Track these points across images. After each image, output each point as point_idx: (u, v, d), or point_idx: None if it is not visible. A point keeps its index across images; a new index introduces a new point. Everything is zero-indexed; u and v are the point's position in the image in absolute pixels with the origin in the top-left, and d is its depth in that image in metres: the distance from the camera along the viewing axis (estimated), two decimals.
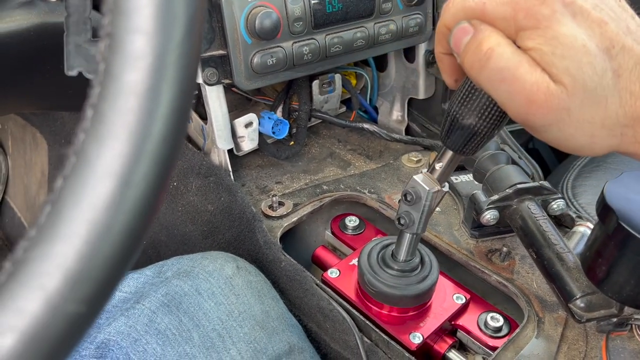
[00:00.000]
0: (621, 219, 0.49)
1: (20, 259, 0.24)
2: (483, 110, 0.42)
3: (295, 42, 0.68)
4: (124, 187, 0.26)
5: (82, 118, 0.26)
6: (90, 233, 0.25)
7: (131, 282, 0.61)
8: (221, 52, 0.65)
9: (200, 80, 0.67)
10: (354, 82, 0.93)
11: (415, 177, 0.52)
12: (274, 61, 0.67)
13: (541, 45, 0.34)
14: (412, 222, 0.53)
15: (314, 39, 0.70)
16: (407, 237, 0.57)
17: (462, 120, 0.43)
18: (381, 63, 0.93)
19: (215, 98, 0.70)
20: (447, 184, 0.52)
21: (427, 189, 0.51)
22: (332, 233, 0.76)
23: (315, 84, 0.85)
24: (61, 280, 0.24)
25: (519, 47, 0.35)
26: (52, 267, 0.24)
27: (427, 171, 0.52)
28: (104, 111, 0.26)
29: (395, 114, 0.94)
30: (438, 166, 0.50)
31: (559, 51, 0.33)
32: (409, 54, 0.87)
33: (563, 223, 0.71)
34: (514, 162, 0.75)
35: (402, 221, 0.54)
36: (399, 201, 0.54)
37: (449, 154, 0.49)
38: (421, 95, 0.88)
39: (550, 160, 1.31)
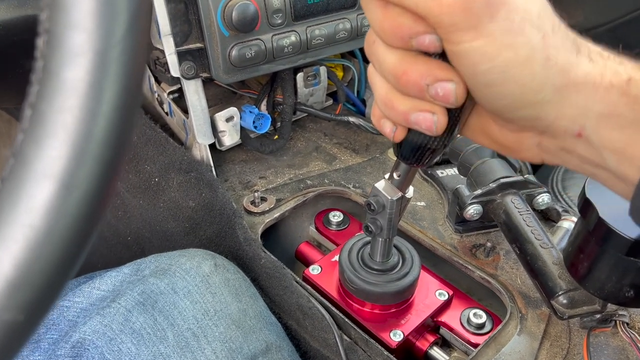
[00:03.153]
0: (602, 214, 0.48)
1: None
2: None
3: (275, 35, 0.67)
4: (64, 190, 0.25)
5: (20, 118, 0.25)
6: (28, 238, 0.24)
7: (109, 281, 0.60)
8: (198, 45, 0.64)
9: (178, 74, 0.65)
10: (340, 74, 0.91)
11: (376, 185, 0.51)
12: (253, 54, 0.65)
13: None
14: (380, 229, 0.53)
15: (295, 31, 0.68)
16: (379, 241, 0.56)
17: (408, 136, 0.41)
18: None
19: (193, 92, 0.68)
20: (411, 188, 0.51)
21: (389, 197, 0.50)
22: (316, 228, 0.75)
23: (300, 76, 0.83)
24: None
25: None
26: None
27: (388, 178, 0.50)
28: (42, 110, 0.25)
29: None
30: (396, 175, 0.49)
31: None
32: None
33: (549, 217, 0.70)
34: (499, 156, 0.74)
35: (370, 229, 0.53)
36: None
37: (404, 165, 0.48)
38: None
39: None
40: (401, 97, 0.36)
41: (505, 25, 0.30)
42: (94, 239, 0.27)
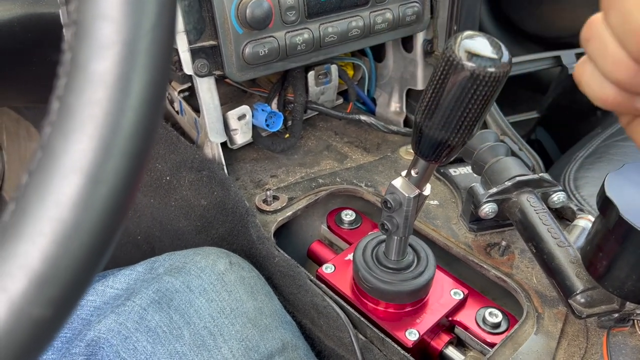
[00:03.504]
0: (622, 212, 0.48)
1: None
2: (448, 123, 0.41)
3: (288, 32, 0.66)
4: (92, 184, 0.25)
5: (48, 110, 0.25)
6: (56, 232, 0.24)
7: (123, 279, 0.60)
8: (212, 42, 0.64)
9: (191, 71, 0.65)
10: (351, 73, 0.91)
11: (393, 182, 0.50)
12: (266, 51, 0.65)
13: None
14: (397, 227, 0.52)
15: (308, 28, 0.68)
16: (395, 239, 0.56)
17: (428, 132, 0.41)
18: (379, 53, 0.91)
19: (206, 90, 0.68)
20: (428, 185, 0.50)
21: (406, 195, 0.50)
22: (328, 227, 0.75)
23: (311, 75, 0.83)
24: (25, 282, 0.23)
25: None
26: (15, 268, 0.23)
27: (405, 175, 0.50)
28: (70, 103, 0.25)
29: (393, 106, 0.92)
30: (414, 172, 0.49)
31: None
32: (407, 43, 0.85)
33: (564, 216, 0.69)
34: (514, 154, 0.73)
35: (386, 227, 0.53)
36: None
37: (423, 162, 0.48)
38: (419, 86, 0.87)
39: (553, 151, 1.30)
40: None
41: None
42: (120, 233, 0.26)
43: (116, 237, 0.26)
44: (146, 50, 0.26)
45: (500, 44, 0.40)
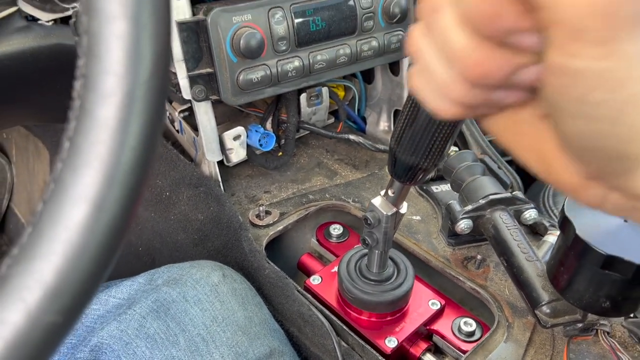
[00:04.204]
0: (579, 231, 0.52)
1: (3, 275, 0.28)
2: (418, 148, 0.44)
3: (280, 60, 0.72)
4: (97, 211, 0.29)
5: (59, 149, 0.30)
6: (67, 252, 0.28)
7: (124, 289, 0.64)
8: (208, 70, 0.69)
9: (189, 96, 0.70)
10: (342, 94, 0.96)
11: (373, 201, 0.55)
12: (259, 78, 0.70)
13: None
14: (377, 241, 0.57)
15: (298, 56, 0.73)
16: (376, 253, 0.60)
17: (400, 156, 0.45)
18: (368, 75, 0.96)
19: (203, 113, 0.73)
20: (405, 204, 0.55)
21: (384, 213, 0.54)
22: (317, 241, 0.80)
23: (303, 96, 0.88)
24: (40, 293, 0.27)
25: None
26: (32, 281, 0.28)
27: (384, 194, 0.55)
28: (78, 143, 0.30)
29: (382, 125, 0.97)
30: (390, 192, 0.53)
31: None
32: (394, 67, 0.90)
33: (537, 231, 0.74)
34: (493, 172, 0.78)
35: (367, 242, 0.57)
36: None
37: (398, 183, 0.52)
38: None
39: None
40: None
41: None
42: (119, 252, 0.31)
43: (117, 254, 0.31)
44: (143, 97, 0.31)
45: None
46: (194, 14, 0.67)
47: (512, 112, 0.28)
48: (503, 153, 0.87)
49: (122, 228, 0.30)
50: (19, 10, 0.59)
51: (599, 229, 0.52)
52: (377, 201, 0.56)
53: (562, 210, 0.55)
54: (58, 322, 0.28)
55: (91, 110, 0.29)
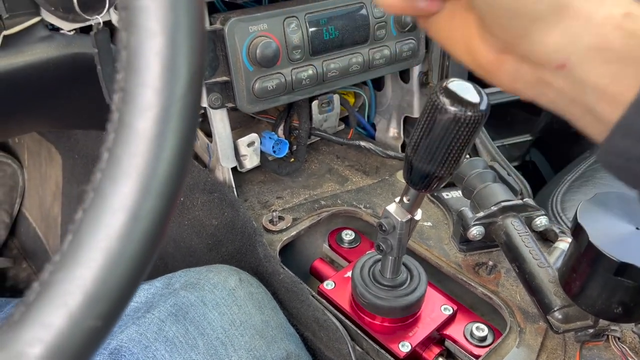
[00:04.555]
0: (592, 238, 0.53)
1: (46, 281, 0.29)
2: (435, 157, 0.46)
3: (294, 69, 0.73)
4: (134, 220, 0.30)
5: (99, 159, 0.31)
6: (106, 259, 0.30)
7: (142, 293, 0.66)
8: (225, 78, 0.70)
9: (205, 104, 0.72)
10: (352, 101, 0.97)
11: (387, 208, 0.56)
12: (274, 86, 0.72)
13: None
14: (391, 247, 0.58)
15: (312, 65, 0.74)
16: (390, 259, 0.61)
17: (417, 164, 0.46)
18: (379, 83, 0.97)
19: (219, 120, 0.74)
20: (419, 211, 0.56)
21: (399, 219, 0.55)
22: (329, 246, 0.81)
23: (315, 104, 0.89)
24: (81, 299, 0.29)
25: None
26: (74, 287, 0.29)
27: (399, 201, 0.56)
28: (117, 154, 0.31)
29: (392, 131, 0.98)
30: (406, 199, 0.54)
31: None
32: (404, 75, 0.92)
33: (548, 238, 0.75)
34: (502, 179, 0.79)
35: (381, 248, 0.58)
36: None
37: (413, 190, 0.53)
38: (415, 114, 0.93)
39: (547, 172, 1.35)
40: None
41: None
42: (155, 259, 0.32)
43: (152, 261, 0.32)
44: (179, 112, 0.32)
45: (481, 90, 0.46)
46: (211, 24, 0.69)
47: (448, 11, 0.38)
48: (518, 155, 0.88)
49: (157, 236, 0.31)
50: (42, 20, 0.60)
51: (612, 236, 0.54)
52: (392, 208, 0.57)
53: (575, 218, 0.56)
54: (98, 326, 0.29)
55: (130, 123, 0.31)
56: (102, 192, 0.30)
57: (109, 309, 0.30)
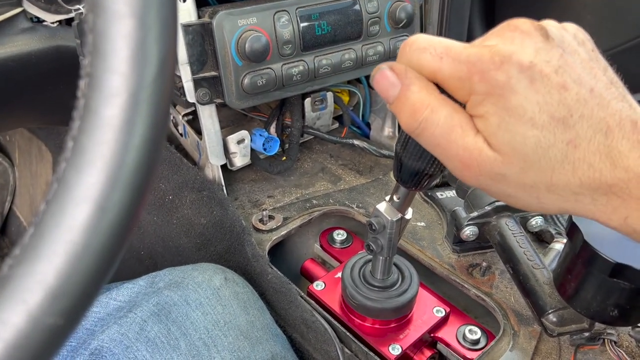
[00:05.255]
0: (587, 238, 0.52)
1: (5, 276, 0.27)
2: (423, 154, 0.44)
3: (285, 64, 0.71)
4: (100, 212, 0.29)
5: (63, 148, 0.29)
6: (69, 253, 0.28)
7: (125, 292, 0.64)
8: (213, 73, 0.69)
9: (193, 99, 0.70)
10: (346, 99, 0.96)
11: (377, 206, 0.54)
12: (264, 82, 0.70)
13: (489, 115, 0.33)
14: (381, 247, 0.56)
15: (303, 60, 0.73)
16: (380, 259, 0.60)
17: (406, 161, 0.44)
18: None
19: (207, 116, 0.73)
20: (410, 209, 0.54)
21: (389, 218, 0.54)
22: (321, 246, 0.79)
23: (308, 101, 0.88)
24: (41, 295, 0.27)
25: (468, 111, 0.35)
26: (33, 283, 0.27)
27: (389, 200, 0.54)
28: (82, 142, 0.29)
29: (386, 130, 0.96)
30: (396, 198, 0.52)
31: (504, 124, 0.32)
32: None
33: (543, 239, 0.73)
34: None
35: (371, 248, 0.57)
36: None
37: (403, 189, 0.51)
38: None
39: None
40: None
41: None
42: (123, 253, 0.31)
43: (119, 257, 0.31)
44: (148, 98, 0.31)
45: None
46: (199, 17, 0.67)
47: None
48: None
49: (125, 229, 0.30)
50: (24, 12, 0.58)
51: (608, 236, 0.52)
52: (382, 207, 0.55)
53: (570, 217, 0.54)
54: (59, 324, 0.28)
55: (96, 110, 0.29)
56: (66, 182, 0.29)
57: (71, 307, 0.28)
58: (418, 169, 0.46)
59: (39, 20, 0.61)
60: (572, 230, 0.53)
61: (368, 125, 0.99)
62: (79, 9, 0.55)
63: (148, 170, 0.31)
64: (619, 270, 0.50)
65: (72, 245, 0.28)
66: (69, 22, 0.63)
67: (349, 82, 0.95)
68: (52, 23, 0.61)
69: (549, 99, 0.32)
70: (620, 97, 0.33)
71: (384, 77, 0.36)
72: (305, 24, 0.71)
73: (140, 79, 0.30)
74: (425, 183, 0.48)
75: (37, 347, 0.27)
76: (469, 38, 0.98)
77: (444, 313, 0.65)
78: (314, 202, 0.81)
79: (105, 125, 0.29)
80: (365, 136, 0.99)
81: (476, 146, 0.34)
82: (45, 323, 0.27)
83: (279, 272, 0.68)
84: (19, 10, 0.57)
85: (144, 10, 0.30)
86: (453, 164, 0.36)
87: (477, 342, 0.63)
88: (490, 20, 1.42)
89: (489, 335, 0.64)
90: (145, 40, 0.30)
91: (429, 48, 0.35)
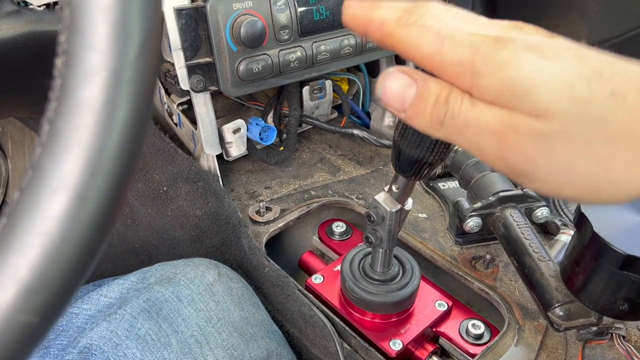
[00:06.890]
0: (596, 229, 0.49)
1: None
2: (422, 142, 0.42)
3: (282, 50, 0.69)
4: (79, 201, 0.26)
5: (39, 132, 0.27)
6: (44, 245, 0.26)
7: (116, 288, 0.62)
8: (207, 59, 0.66)
9: (187, 87, 0.68)
10: (345, 87, 0.93)
11: (376, 197, 0.52)
12: (260, 68, 0.67)
13: (501, 91, 0.28)
14: (380, 240, 0.54)
15: (301, 46, 0.70)
16: (380, 252, 0.57)
17: (405, 150, 0.43)
18: (373, 69, 0.93)
19: (202, 104, 0.70)
20: (410, 200, 0.52)
21: (388, 209, 0.51)
22: (320, 238, 0.77)
23: (306, 90, 0.85)
24: (14, 291, 0.25)
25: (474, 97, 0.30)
26: (5, 277, 0.25)
27: (387, 190, 0.52)
28: (59, 126, 0.27)
29: (387, 120, 0.94)
30: (395, 188, 0.50)
31: (520, 88, 0.28)
32: (400, 60, 0.87)
33: (549, 230, 0.71)
34: None
35: (370, 240, 0.55)
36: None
37: (402, 178, 0.49)
38: None
39: None
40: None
41: None
42: (105, 247, 0.28)
43: (101, 250, 0.28)
44: (130, 78, 0.28)
45: None
46: (192, 1, 0.65)
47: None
48: None
49: (107, 220, 0.28)
50: None
51: (618, 227, 0.50)
52: (381, 197, 0.53)
53: (578, 208, 0.52)
54: (34, 322, 0.26)
55: (73, 91, 0.27)
56: (42, 169, 0.26)
57: (47, 303, 0.26)
58: (417, 157, 0.44)
59: (25, 4, 0.59)
60: (581, 221, 0.51)
61: (368, 114, 0.97)
62: None
63: (131, 156, 0.28)
64: (630, 262, 0.48)
65: (48, 237, 0.26)
66: (56, 5, 0.60)
67: (348, 70, 0.93)
68: (39, 6, 0.58)
69: (569, 63, 0.28)
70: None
71: (397, 78, 0.32)
72: (303, 8, 0.69)
73: (121, 57, 0.27)
74: (425, 172, 0.46)
75: (8, 346, 0.25)
76: None
77: (446, 307, 0.63)
78: (313, 193, 0.79)
79: (84, 107, 0.27)
80: (365, 126, 0.97)
81: (510, 120, 0.29)
82: (18, 321, 0.25)
83: (276, 265, 0.65)
84: None
85: None
86: (488, 148, 0.30)
87: (480, 336, 0.61)
88: (492, 17, 1.40)
89: (493, 330, 0.62)
90: (127, 14, 0.28)
91: (433, 28, 0.32)
